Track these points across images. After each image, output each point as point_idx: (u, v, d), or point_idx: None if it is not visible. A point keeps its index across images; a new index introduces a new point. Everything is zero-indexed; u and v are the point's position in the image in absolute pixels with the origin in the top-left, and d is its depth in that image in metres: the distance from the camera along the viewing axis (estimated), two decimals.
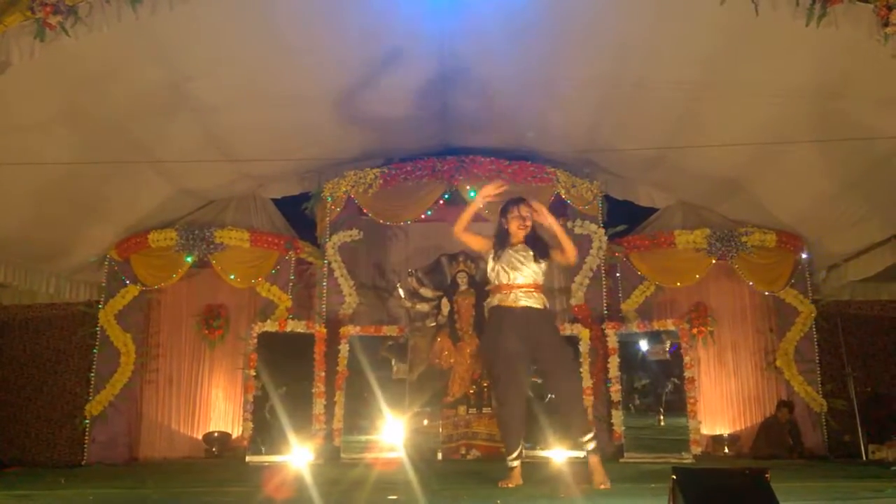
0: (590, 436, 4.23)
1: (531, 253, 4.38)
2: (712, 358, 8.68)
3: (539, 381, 5.26)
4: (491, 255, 4.44)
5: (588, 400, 7.03)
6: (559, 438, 6.62)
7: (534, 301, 4.32)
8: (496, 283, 4.40)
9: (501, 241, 4.45)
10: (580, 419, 4.41)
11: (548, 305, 4.44)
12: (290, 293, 8.05)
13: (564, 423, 5.35)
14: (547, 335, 4.34)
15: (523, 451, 4.39)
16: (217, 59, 5.83)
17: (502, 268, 4.37)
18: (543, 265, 4.40)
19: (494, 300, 4.41)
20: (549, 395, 5.81)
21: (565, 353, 4.64)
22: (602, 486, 4.05)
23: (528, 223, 4.43)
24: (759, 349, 8.59)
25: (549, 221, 4.41)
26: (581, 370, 7.08)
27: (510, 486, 4.21)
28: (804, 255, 8.26)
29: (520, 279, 4.32)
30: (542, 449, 6.94)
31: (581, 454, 4.67)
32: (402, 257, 8.62)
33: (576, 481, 4.54)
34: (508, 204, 4.49)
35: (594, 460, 4.19)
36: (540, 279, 4.38)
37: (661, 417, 7.49)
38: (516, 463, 4.30)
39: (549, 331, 4.42)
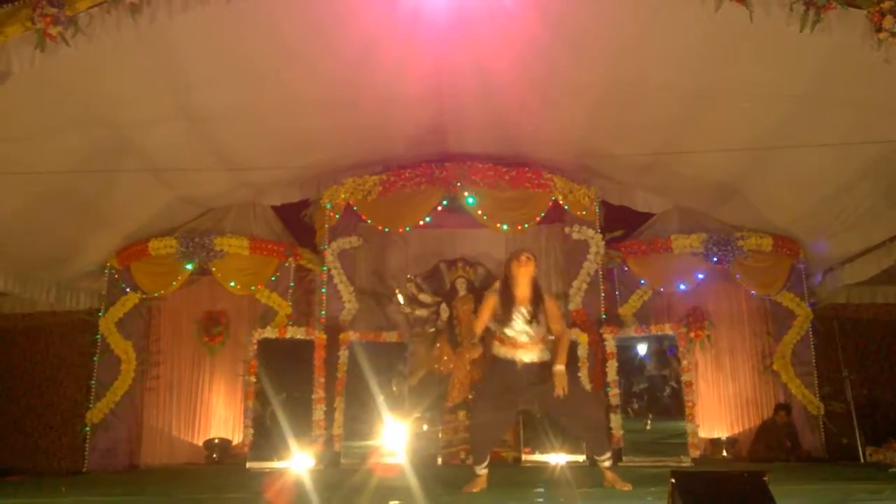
0: (608, 455, 4.55)
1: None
2: (710, 362, 8.70)
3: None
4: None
5: None
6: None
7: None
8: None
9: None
10: (601, 443, 4.68)
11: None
12: (290, 300, 8.09)
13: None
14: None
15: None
16: (217, 67, 5.86)
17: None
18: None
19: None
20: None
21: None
22: (625, 488, 4.38)
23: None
24: (756, 352, 8.61)
25: None
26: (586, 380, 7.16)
27: (474, 490, 4.44)
28: (801, 265, 8.30)
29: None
30: (540, 452, 6.97)
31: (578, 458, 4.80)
32: (401, 263, 8.63)
33: (576, 485, 4.59)
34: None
35: (610, 474, 4.53)
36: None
37: (649, 422, 7.52)
38: (484, 471, 4.51)
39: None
